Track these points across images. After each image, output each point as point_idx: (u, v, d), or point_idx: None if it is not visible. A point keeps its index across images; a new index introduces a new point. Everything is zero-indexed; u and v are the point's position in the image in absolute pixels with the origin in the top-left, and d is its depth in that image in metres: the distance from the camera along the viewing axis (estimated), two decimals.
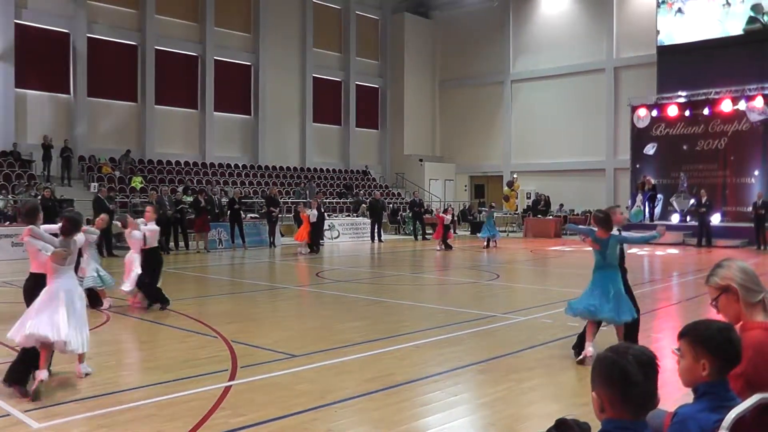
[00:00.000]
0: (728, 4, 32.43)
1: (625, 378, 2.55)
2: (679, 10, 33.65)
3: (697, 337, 2.98)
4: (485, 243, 26.60)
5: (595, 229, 8.38)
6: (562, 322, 10.46)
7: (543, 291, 14.42)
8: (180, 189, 28.12)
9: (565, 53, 38.43)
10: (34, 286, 7.07)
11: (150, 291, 11.75)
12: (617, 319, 8.08)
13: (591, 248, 8.48)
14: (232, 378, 7.10)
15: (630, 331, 8.28)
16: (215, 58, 34.37)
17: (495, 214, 28.95)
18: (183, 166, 32.46)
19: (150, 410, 6.03)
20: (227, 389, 6.68)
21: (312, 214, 23.78)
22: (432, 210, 34.49)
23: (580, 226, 10.77)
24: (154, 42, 32.17)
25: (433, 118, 44.50)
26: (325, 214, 28.87)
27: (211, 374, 7.22)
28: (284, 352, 8.30)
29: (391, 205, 35.88)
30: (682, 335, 3.03)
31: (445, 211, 26.89)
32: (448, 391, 6.77)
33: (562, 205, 36.49)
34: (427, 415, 6.08)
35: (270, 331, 9.96)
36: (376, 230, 29.70)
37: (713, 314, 3.43)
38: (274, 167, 36.16)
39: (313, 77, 38.84)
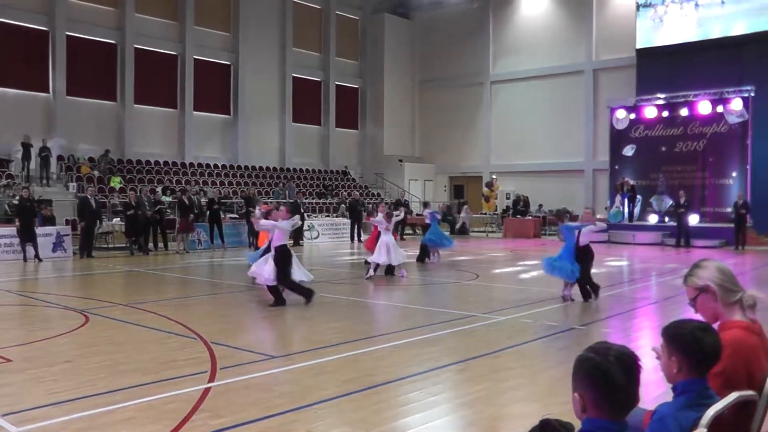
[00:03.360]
0: (706, 8, 32.80)
1: (607, 379, 2.56)
2: (660, 20, 34.04)
3: (670, 336, 3.03)
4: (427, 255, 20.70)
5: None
6: (542, 321, 10.52)
7: (522, 291, 14.47)
8: (159, 189, 27.99)
9: (544, 55, 38.60)
10: None
11: (289, 286, 12.33)
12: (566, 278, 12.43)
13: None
14: (211, 380, 7.07)
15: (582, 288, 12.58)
16: (195, 57, 34.23)
17: (438, 216, 22.72)
18: (162, 166, 32.31)
19: (129, 413, 5.99)
20: (207, 391, 6.65)
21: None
22: (408, 208, 33.69)
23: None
24: (134, 41, 32.00)
25: (412, 118, 44.54)
26: (305, 214, 28.86)
27: (191, 376, 7.18)
28: (264, 354, 8.28)
29: (370, 206, 35.87)
30: (662, 333, 3.08)
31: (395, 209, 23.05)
32: (427, 391, 6.78)
33: (541, 206, 36.66)
34: (407, 415, 6.08)
35: (249, 333, 9.93)
36: (355, 230, 29.71)
37: (691, 314, 3.47)
38: (253, 167, 36.07)
39: (293, 77, 38.78)
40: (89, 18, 30.78)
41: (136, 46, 32.10)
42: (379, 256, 16.16)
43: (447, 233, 24.92)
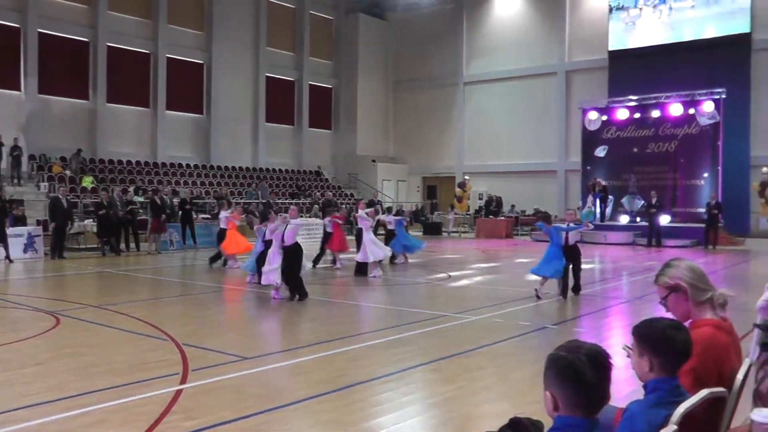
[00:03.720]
0: (677, 12, 33.26)
1: (578, 377, 2.57)
2: (632, 22, 34.44)
3: (641, 335, 3.04)
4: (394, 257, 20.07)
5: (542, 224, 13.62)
6: (514, 321, 10.57)
7: (494, 291, 14.51)
8: (131, 189, 27.76)
9: (517, 56, 38.82)
10: None
11: (294, 284, 12.82)
12: (552, 276, 13.09)
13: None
14: (183, 381, 7.03)
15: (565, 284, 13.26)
16: (167, 55, 34.00)
17: (405, 222, 22.56)
18: (134, 165, 32.06)
19: (101, 415, 5.94)
20: (178, 393, 6.60)
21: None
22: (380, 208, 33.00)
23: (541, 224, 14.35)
24: (107, 38, 31.71)
25: (386, 119, 44.57)
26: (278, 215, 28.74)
27: (163, 378, 7.13)
28: (236, 355, 8.23)
29: (344, 206, 35.81)
30: (633, 332, 3.09)
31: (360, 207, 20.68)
32: (400, 391, 6.78)
33: (513, 206, 36.85)
34: (380, 415, 6.08)
35: (221, 333, 9.88)
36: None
37: (662, 312, 3.49)
38: (226, 167, 35.91)
39: (266, 76, 38.66)
40: (62, 15, 30.45)
41: (108, 44, 31.81)
42: (374, 253, 16.60)
43: (413, 235, 25.29)
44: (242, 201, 31.63)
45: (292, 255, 12.98)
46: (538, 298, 12.98)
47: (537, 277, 13.43)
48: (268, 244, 13.75)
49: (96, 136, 31.48)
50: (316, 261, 18.54)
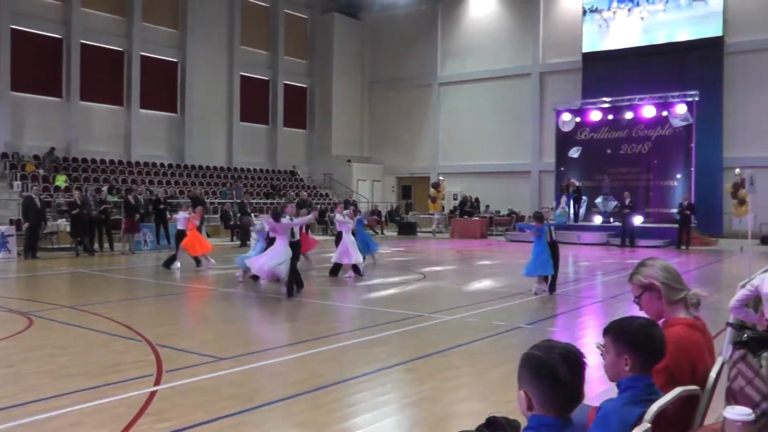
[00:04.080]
0: (651, 15, 33.58)
1: (552, 376, 2.58)
2: (606, 25, 34.71)
3: (620, 334, 3.05)
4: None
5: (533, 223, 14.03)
6: (488, 321, 10.62)
7: (469, 291, 14.57)
8: (105, 188, 27.53)
9: (492, 57, 38.98)
10: None
11: (293, 279, 13.56)
12: (546, 273, 13.78)
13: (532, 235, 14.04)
14: (157, 383, 6.99)
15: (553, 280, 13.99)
16: (141, 53, 33.75)
17: (365, 221, 22.30)
18: (108, 164, 31.80)
19: (75, 417, 5.88)
20: (153, 394, 6.56)
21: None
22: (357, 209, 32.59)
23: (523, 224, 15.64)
24: (80, 35, 31.40)
25: (361, 119, 44.56)
26: (252, 214, 28.66)
27: (137, 379, 7.08)
28: (210, 355, 8.20)
29: (319, 206, 35.81)
30: (606, 332, 3.10)
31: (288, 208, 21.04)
32: (375, 391, 6.79)
33: (488, 206, 37.00)
34: (355, 415, 6.08)
35: (196, 334, 9.84)
36: (303, 230, 29.51)
37: (636, 311, 3.53)
38: (200, 167, 35.72)
39: (241, 76, 38.50)
40: (34, 11, 30.11)
41: (82, 41, 31.51)
42: (355, 255, 16.46)
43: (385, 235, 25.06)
44: (216, 201, 31.55)
45: (296, 250, 13.91)
46: (536, 294, 13.66)
47: (528, 277, 14.13)
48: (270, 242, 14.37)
49: (69, 134, 31.18)
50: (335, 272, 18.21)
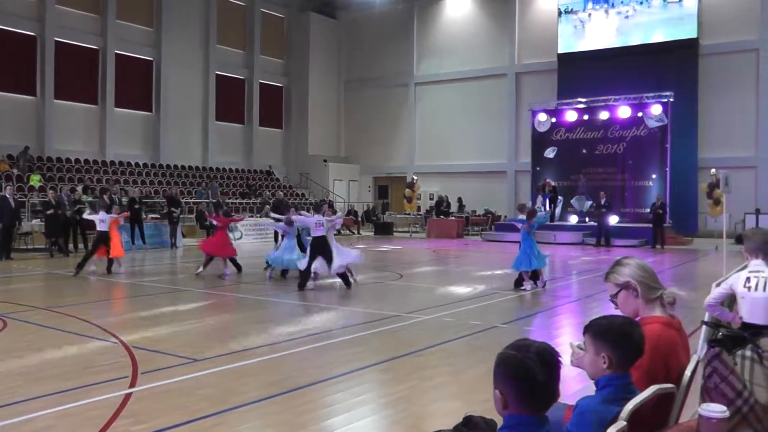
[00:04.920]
0: (626, 16, 33.85)
1: (528, 375, 2.57)
2: (582, 26, 34.92)
3: (598, 332, 3.07)
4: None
5: (524, 217, 14.76)
6: (464, 320, 10.64)
7: (445, 290, 14.59)
8: (79, 188, 27.28)
9: (468, 58, 39.10)
10: None
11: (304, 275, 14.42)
12: (543, 265, 14.60)
13: (522, 229, 14.47)
14: (132, 385, 6.93)
15: (536, 273, 14.44)
16: (116, 51, 33.48)
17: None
18: (83, 164, 31.53)
19: (49, 421, 5.82)
20: (128, 397, 6.51)
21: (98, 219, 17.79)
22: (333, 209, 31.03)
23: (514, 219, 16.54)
24: (54, 33, 31.09)
25: (338, 118, 44.53)
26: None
27: (111, 381, 7.02)
28: (185, 357, 8.15)
29: (295, 206, 35.72)
30: (586, 330, 3.12)
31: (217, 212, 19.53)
32: (351, 391, 6.78)
33: (463, 206, 37.06)
34: (331, 416, 6.06)
35: (171, 336, 9.78)
36: (279, 232, 29.39)
37: (611, 310, 3.55)
38: (175, 166, 35.53)
39: (217, 74, 38.33)
40: (8, 8, 29.76)
41: (56, 38, 31.19)
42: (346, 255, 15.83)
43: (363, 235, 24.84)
44: (192, 200, 31.39)
45: (321, 245, 14.54)
46: (528, 288, 14.23)
47: (515, 271, 14.68)
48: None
49: (44, 133, 30.84)
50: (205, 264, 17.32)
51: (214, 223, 18.28)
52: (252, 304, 12.66)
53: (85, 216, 18.80)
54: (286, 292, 14.44)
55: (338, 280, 14.82)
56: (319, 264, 14.33)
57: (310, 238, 15.75)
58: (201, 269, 16.87)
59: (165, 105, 35.53)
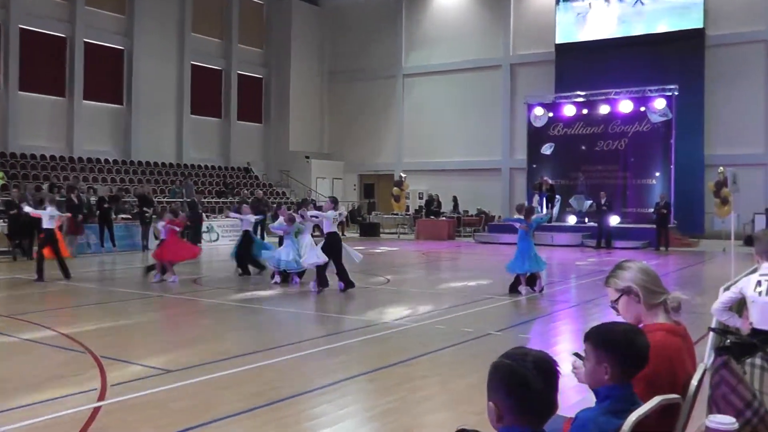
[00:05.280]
0: (629, 5, 33.95)
1: (524, 386, 2.56)
2: (582, 16, 35.02)
3: (599, 340, 3.06)
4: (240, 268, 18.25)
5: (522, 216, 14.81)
6: (456, 327, 10.65)
7: (436, 296, 14.60)
8: (45, 186, 27.11)
9: (460, 48, 39.09)
10: None
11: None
12: (541, 268, 14.68)
13: (520, 228, 14.57)
14: (101, 397, 6.90)
15: (533, 278, 14.52)
16: (85, 40, 33.26)
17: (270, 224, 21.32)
18: (49, 160, 31.34)
19: None
20: (97, 410, 6.48)
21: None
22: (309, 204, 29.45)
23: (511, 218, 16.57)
24: (19, 20, 30.83)
25: (321, 112, 44.45)
26: (203, 214, 28.52)
27: (79, 394, 6.99)
28: (158, 367, 8.14)
29: (275, 205, 35.65)
30: (587, 337, 3.11)
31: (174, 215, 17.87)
32: (336, 403, 6.78)
33: (458, 206, 37.06)
34: (316, 429, 6.06)
35: (143, 345, 9.75)
36: (258, 233, 29.34)
37: (612, 316, 3.55)
38: (147, 163, 35.38)
39: (192, 65, 38.14)
40: None
41: (21, 26, 30.91)
42: (320, 257, 15.43)
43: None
44: (165, 200, 31.28)
45: (334, 242, 15.17)
46: (524, 293, 14.28)
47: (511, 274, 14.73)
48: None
49: (7, 127, 30.62)
50: (148, 269, 17.38)
51: (176, 229, 17.21)
52: (228, 310, 12.63)
53: (27, 209, 17.68)
54: (267, 298, 14.41)
55: (334, 284, 14.81)
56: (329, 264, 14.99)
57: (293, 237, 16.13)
58: (158, 276, 16.52)
59: (137, 97, 35.34)
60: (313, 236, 16.47)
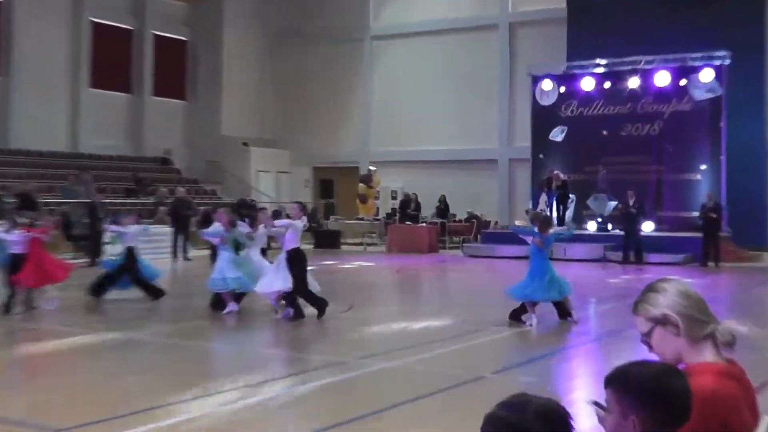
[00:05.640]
0: None
1: None
2: None
3: (625, 387, 2.97)
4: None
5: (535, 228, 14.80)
6: (440, 368, 10.63)
7: (413, 326, 14.58)
8: None
9: (444, 3, 39.16)
10: None
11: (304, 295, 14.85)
12: (558, 297, 14.12)
13: (533, 244, 14.46)
14: None
15: (562, 306, 14.25)
16: None
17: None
18: None
19: None
20: None
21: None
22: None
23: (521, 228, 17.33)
24: None
25: (262, 86, 44.40)
26: (104, 218, 28.30)
27: None
28: (42, 425, 8.07)
29: (201, 208, 35.46)
30: (608, 383, 3.03)
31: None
32: None
33: (448, 209, 37.05)
34: None
35: (22, 395, 9.66)
36: (180, 243, 29.23)
37: (645, 354, 3.48)
38: (30, 152, 35.11)
39: (92, 22, 38.00)
40: None
41: None
42: (284, 282, 15.03)
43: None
44: (56, 201, 31.04)
45: (297, 260, 14.93)
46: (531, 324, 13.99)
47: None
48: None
49: None
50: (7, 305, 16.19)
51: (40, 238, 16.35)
52: (137, 347, 12.53)
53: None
54: (189, 330, 14.29)
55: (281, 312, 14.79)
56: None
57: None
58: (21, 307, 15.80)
59: (18, 66, 35.10)
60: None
